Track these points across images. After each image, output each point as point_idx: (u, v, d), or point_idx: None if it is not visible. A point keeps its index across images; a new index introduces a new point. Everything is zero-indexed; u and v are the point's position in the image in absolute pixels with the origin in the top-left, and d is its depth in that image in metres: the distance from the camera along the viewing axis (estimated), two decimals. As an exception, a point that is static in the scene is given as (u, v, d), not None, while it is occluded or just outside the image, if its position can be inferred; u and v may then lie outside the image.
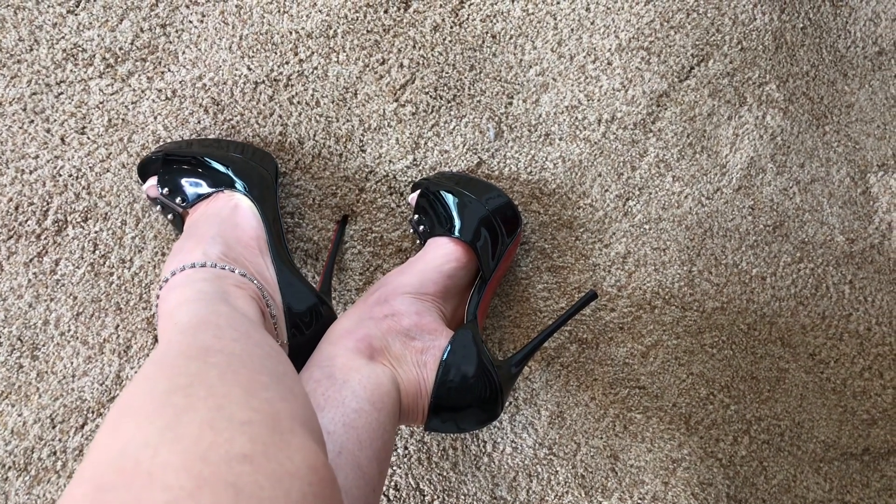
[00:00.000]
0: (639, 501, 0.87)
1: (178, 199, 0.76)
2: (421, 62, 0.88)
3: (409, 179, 0.87)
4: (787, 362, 0.91)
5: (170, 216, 0.79)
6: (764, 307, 0.91)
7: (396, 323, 0.69)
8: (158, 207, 0.80)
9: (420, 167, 0.88)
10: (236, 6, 0.86)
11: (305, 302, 0.71)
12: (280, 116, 0.86)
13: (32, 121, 0.82)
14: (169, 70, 0.85)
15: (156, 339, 0.83)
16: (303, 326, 0.70)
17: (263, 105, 0.86)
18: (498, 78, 0.89)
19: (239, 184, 0.75)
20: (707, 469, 0.89)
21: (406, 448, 0.85)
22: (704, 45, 0.93)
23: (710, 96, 0.92)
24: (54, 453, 0.80)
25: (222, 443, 0.34)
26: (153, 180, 0.78)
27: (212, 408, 0.37)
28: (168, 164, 0.77)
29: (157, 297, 0.63)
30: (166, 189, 0.76)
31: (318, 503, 0.36)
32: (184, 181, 0.76)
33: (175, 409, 0.37)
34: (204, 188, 0.75)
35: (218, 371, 0.41)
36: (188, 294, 0.59)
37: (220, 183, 0.75)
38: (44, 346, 0.81)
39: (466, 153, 0.88)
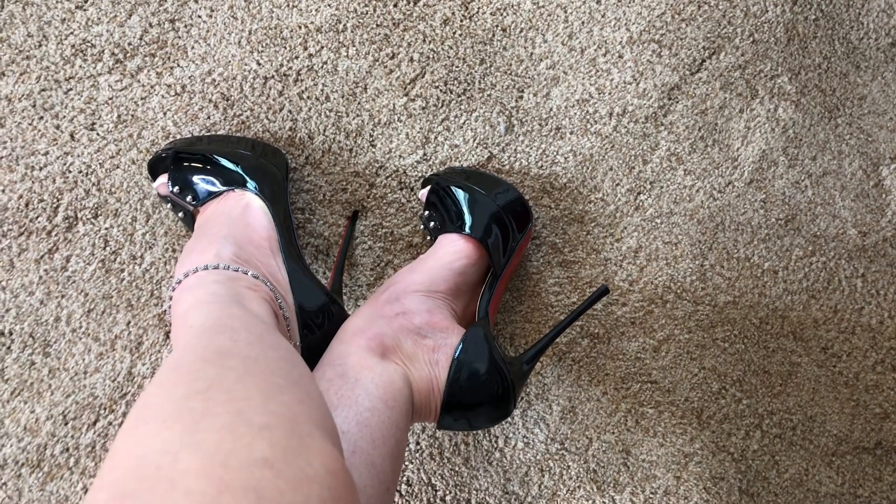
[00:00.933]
0: (651, 496, 0.88)
1: (188, 198, 0.76)
2: (431, 56, 0.88)
3: (420, 174, 0.87)
4: (799, 356, 0.91)
5: (180, 214, 0.79)
6: (776, 301, 0.91)
7: (408, 321, 0.69)
8: (169, 205, 0.80)
9: (430, 162, 0.87)
10: (245, 0, 0.85)
11: (317, 301, 0.71)
12: (290, 111, 0.86)
13: (42, 117, 0.82)
14: (178, 65, 0.85)
15: (167, 336, 0.83)
16: (314, 326, 0.70)
17: (273, 100, 0.85)
18: (508, 72, 0.89)
19: (250, 183, 0.75)
20: (719, 463, 0.89)
21: (418, 443, 0.85)
22: (716, 37, 0.92)
23: (721, 89, 0.92)
24: (67, 450, 0.81)
25: (242, 448, 0.34)
26: (163, 178, 0.78)
27: (231, 412, 0.37)
28: (178, 161, 0.77)
29: (170, 298, 0.63)
30: (177, 187, 0.76)
31: None
32: (194, 179, 0.76)
33: (194, 414, 0.37)
34: (215, 187, 0.75)
35: (235, 375, 0.41)
36: (201, 296, 0.59)
37: (231, 181, 0.75)
38: (55, 342, 0.81)
39: (477, 147, 0.88)
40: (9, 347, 0.80)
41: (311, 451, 0.37)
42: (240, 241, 0.69)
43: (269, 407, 0.38)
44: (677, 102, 0.91)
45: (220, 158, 0.76)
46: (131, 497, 0.32)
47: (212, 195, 0.75)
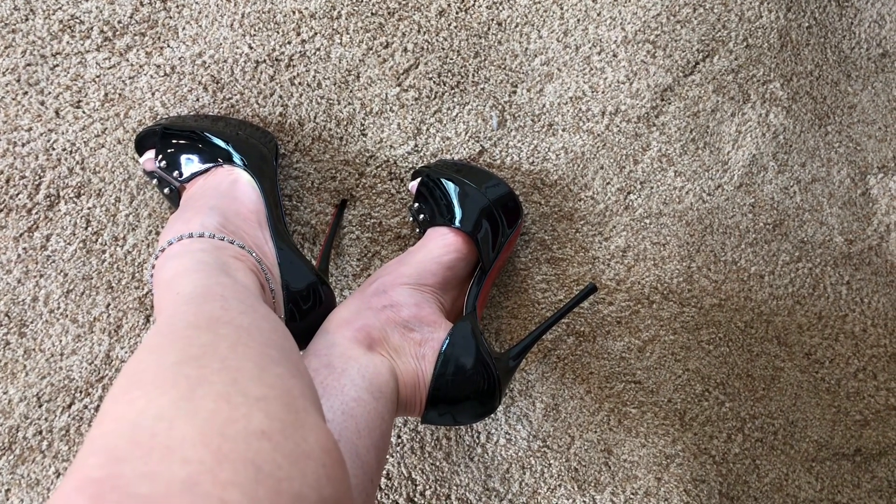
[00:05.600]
0: (631, 496, 0.87)
1: (175, 173, 0.74)
2: (425, 47, 0.87)
3: (410, 165, 0.86)
4: (782, 361, 0.91)
5: (166, 190, 0.77)
6: (761, 305, 0.91)
7: (395, 314, 0.68)
8: (155, 181, 0.78)
9: (421, 153, 0.86)
10: (239, -17, 0.84)
11: (305, 280, 0.69)
12: (280, 97, 0.84)
13: (26, 92, 0.80)
14: (168, 46, 0.83)
15: (147, 319, 0.81)
16: (302, 305, 0.69)
17: (264, 85, 0.84)
18: (502, 66, 0.88)
19: (238, 157, 0.74)
20: (700, 465, 0.89)
21: (399, 437, 0.85)
22: (710, 40, 0.92)
23: (714, 92, 0.92)
24: (40, 433, 0.79)
25: (239, 418, 0.33)
26: (151, 153, 0.76)
27: (226, 381, 0.36)
28: (167, 137, 0.75)
29: (153, 266, 0.62)
30: (164, 162, 0.74)
31: (332, 485, 0.35)
32: (182, 155, 0.74)
33: (188, 380, 0.36)
34: (203, 162, 0.74)
35: (228, 343, 0.40)
36: (187, 264, 0.57)
37: (220, 157, 0.74)
38: (32, 323, 0.80)
39: (468, 141, 0.87)
40: (-16, 326, 0.79)
41: (307, 427, 0.36)
42: (226, 212, 0.67)
43: (265, 378, 0.38)
44: (670, 104, 0.91)
45: (210, 135, 0.75)
46: (126, 462, 0.31)
47: (199, 171, 0.73)
